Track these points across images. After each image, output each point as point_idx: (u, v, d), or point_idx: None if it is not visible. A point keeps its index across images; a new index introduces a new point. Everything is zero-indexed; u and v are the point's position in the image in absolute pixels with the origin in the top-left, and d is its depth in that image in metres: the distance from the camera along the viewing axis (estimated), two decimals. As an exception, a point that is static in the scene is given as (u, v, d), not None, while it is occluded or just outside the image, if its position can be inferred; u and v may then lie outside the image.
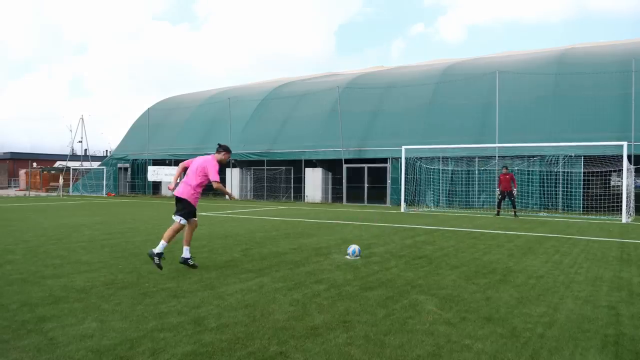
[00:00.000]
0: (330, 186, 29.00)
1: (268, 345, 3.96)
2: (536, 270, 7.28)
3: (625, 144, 17.62)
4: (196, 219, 7.22)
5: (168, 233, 6.89)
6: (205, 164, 7.06)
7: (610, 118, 21.36)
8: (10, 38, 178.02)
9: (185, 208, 6.99)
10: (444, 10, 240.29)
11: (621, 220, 16.73)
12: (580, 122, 21.68)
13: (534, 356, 3.80)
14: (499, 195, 18.41)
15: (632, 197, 18.36)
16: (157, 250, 6.74)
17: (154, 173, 34.12)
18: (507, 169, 18.59)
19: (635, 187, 22.71)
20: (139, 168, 36.41)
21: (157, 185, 35.96)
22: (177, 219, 6.96)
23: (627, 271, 7.27)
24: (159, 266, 6.72)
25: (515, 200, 18.44)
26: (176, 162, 33.88)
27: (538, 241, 10.75)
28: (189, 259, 6.99)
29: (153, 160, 35.15)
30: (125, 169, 38.24)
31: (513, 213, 18.09)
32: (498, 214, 18.43)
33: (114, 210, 20.47)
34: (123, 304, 5.15)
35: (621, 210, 17.27)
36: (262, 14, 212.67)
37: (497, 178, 19.10)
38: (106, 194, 36.83)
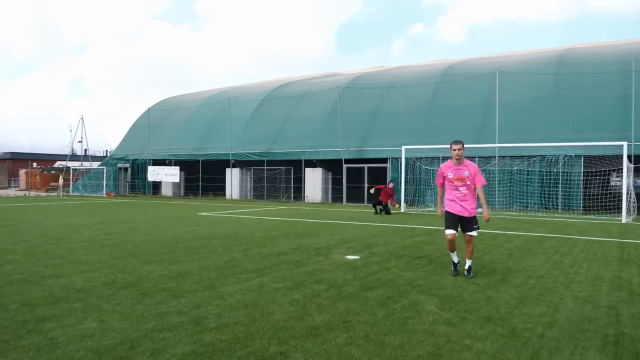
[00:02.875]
0: (330, 186, 29.00)
1: (268, 345, 3.96)
2: (536, 270, 7.28)
3: (625, 143, 17.61)
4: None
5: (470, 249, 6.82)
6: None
7: (610, 118, 21.35)
8: (11, 38, 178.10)
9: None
10: (444, 10, 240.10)
11: (621, 220, 16.73)
12: (580, 122, 21.68)
13: (534, 356, 3.80)
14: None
15: (633, 197, 18.35)
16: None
17: (154, 173, 34.11)
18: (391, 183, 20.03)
19: (635, 187, 22.69)
20: (139, 168, 36.41)
21: (157, 185, 35.98)
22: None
23: (627, 271, 7.27)
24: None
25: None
26: (176, 162, 33.94)
27: (537, 241, 10.75)
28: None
29: (153, 160, 35.15)
30: (125, 169, 38.24)
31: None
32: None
33: (114, 210, 20.47)
34: (123, 304, 5.15)
35: (621, 210, 17.26)
36: (263, 13, 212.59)
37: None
38: (106, 194, 36.83)
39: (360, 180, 27.64)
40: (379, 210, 19.28)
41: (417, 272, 7.05)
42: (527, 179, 21.90)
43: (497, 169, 22.33)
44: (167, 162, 34.73)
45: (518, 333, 4.33)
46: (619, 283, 6.42)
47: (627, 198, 17.33)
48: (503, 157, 22.42)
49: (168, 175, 33.90)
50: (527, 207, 21.46)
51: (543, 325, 4.55)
